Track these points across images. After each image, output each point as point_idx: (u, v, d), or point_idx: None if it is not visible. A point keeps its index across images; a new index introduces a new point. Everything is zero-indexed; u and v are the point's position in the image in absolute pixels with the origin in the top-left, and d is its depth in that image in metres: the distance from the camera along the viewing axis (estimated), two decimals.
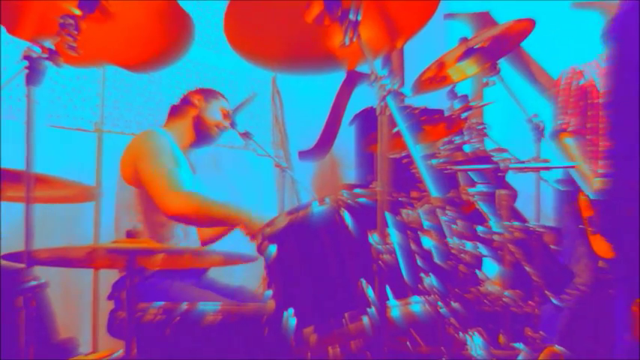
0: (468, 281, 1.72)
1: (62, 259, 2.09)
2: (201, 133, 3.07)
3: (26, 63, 1.75)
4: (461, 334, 1.65)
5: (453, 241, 1.63)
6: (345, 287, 1.75)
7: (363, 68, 2.01)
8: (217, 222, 2.80)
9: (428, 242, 1.75)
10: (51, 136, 3.35)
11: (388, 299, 1.66)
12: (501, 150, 2.54)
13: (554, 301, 2.33)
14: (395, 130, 1.69)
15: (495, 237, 2.21)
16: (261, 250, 1.94)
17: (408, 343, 1.87)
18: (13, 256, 1.78)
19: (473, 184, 2.44)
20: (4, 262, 1.83)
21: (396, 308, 1.69)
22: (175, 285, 2.71)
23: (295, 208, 1.93)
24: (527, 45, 4.45)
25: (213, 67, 4.09)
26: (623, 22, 1.56)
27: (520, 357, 2.08)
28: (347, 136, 4.64)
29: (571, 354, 2.26)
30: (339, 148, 4.71)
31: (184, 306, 2.06)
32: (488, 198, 2.37)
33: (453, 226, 1.66)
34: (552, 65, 4.74)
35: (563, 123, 3.58)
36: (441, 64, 2.83)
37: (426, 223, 1.80)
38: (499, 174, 2.44)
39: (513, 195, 2.48)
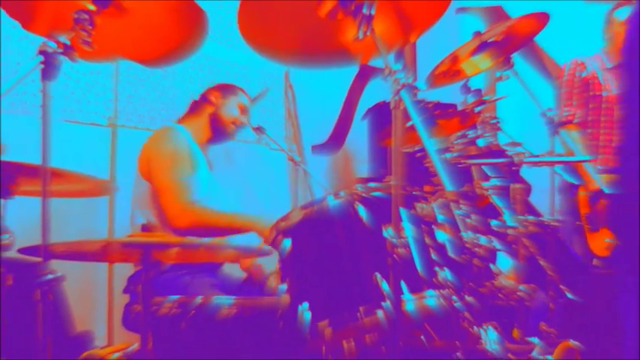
0: (483, 275, 1.71)
1: (78, 253, 2.10)
2: (218, 130, 3.09)
3: (42, 58, 1.76)
4: (475, 328, 1.64)
5: (467, 235, 1.62)
6: (360, 281, 1.75)
7: (376, 62, 2.01)
8: (228, 233, 2.80)
9: (442, 236, 1.75)
10: (65, 131, 3.37)
11: (403, 293, 1.66)
12: (515, 144, 2.53)
13: (569, 295, 2.32)
14: (409, 124, 1.68)
15: (509, 231, 2.21)
16: (275, 244, 1.94)
17: (422, 337, 1.86)
18: (30, 250, 1.79)
19: (487, 178, 2.43)
20: (21, 256, 1.84)
21: (410, 302, 1.69)
22: (190, 279, 2.72)
23: (310, 202, 1.94)
24: (538, 38, 4.42)
25: (226, 61, 4.10)
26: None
27: (535, 351, 2.07)
28: (360, 131, 4.63)
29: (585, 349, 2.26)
30: (351, 142, 4.70)
31: (199, 300, 2.06)
32: (502, 192, 2.37)
33: (467, 220, 1.65)
34: (558, 58, 4.71)
35: (568, 114, 3.56)
36: (454, 58, 2.82)
37: (440, 217, 1.79)
38: (513, 168, 2.43)
39: (527, 189, 2.48)
